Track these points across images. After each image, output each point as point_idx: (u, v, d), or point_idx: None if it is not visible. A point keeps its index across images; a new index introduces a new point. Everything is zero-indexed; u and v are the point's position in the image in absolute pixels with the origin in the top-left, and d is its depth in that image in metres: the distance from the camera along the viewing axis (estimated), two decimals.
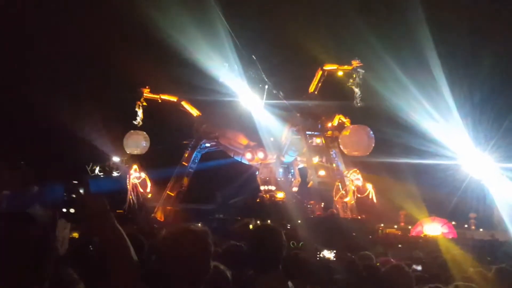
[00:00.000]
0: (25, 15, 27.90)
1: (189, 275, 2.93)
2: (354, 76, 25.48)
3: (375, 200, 25.19)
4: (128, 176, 26.73)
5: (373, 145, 24.92)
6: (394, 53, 24.40)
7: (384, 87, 24.15)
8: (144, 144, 27.95)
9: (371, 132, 25.06)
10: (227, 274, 3.92)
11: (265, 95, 26.22)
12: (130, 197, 26.22)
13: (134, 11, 25.46)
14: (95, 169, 26.11)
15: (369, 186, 25.28)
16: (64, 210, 3.45)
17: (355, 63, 25.59)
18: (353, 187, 25.22)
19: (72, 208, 3.27)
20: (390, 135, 25.27)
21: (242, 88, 26.14)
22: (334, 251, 7.37)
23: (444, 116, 23.43)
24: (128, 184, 26.26)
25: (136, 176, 27.18)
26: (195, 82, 26.22)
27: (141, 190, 27.06)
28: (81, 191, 3.07)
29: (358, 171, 25.75)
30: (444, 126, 23.38)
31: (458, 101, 23.54)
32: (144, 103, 28.31)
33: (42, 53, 28.54)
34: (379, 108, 25.23)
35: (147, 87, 28.52)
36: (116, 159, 27.57)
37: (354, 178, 25.49)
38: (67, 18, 28.33)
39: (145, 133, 28.13)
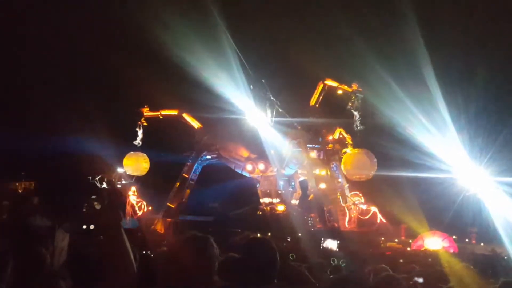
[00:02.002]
0: (23, 29, 28.13)
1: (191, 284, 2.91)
2: (353, 98, 25.44)
3: (383, 220, 25.08)
4: (127, 195, 26.84)
5: (376, 168, 24.76)
6: (390, 67, 24.50)
7: (380, 101, 24.19)
8: (144, 166, 27.90)
9: (374, 156, 24.97)
10: None
11: (271, 114, 26.25)
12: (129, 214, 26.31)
13: (138, 28, 25.70)
14: (99, 181, 26.24)
15: (374, 209, 25.10)
16: (84, 226, 3.49)
17: (355, 86, 25.57)
18: (355, 211, 25.12)
19: (92, 224, 3.32)
20: (387, 149, 25.26)
21: (248, 106, 26.16)
22: (338, 242, 7.39)
23: (439, 130, 23.43)
24: (127, 202, 26.40)
25: (133, 199, 27.23)
26: (199, 99, 26.39)
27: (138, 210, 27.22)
28: (98, 206, 3.11)
29: (360, 194, 25.70)
30: (439, 139, 23.38)
31: (453, 114, 23.57)
32: (145, 123, 28.33)
33: (44, 65, 28.69)
34: (376, 122, 25.23)
35: (145, 106, 28.56)
36: (120, 170, 27.61)
37: (357, 202, 25.40)
38: (67, 31, 28.48)
39: (145, 154, 28.05)
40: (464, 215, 24.11)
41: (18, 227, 3.38)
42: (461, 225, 24.76)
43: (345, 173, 25.71)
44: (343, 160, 25.63)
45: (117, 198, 3.07)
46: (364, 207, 25.13)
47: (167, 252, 3.17)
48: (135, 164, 27.77)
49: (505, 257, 17.56)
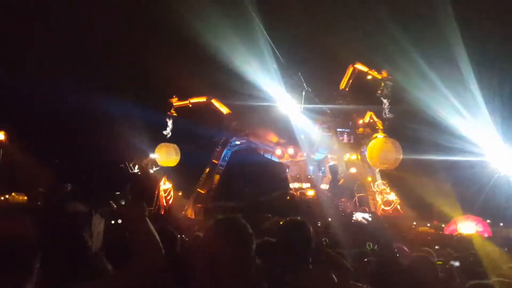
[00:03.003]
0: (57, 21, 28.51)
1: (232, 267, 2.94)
2: (382, 86, 24.85)
3: (400, 211, 24.76)
4: (158, 186, 27.17)
5: (401, 159, 24.24)
6: (422, 49, 24.15)
7: (413, 84, 23.84)
8: (175, 156, 28.07)
9: (400, 147, 24.27)
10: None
11: (302, 99, 26.08)
12: (159, 203, 26.62)
13: (170, 15, 25.82)
14: (133, 167, 26.60)
15: (392, 197, 24.78)
16: (113, 222, 3.58)
17: (384, 73, 24.95)
18: (380, 200, 24.86)
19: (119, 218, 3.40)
20: (418, 132, 24.92)
21: (278, 92, 26.04)
22: (369, 214, 7.40)
23: (472, 112, 23.03)
24: (158, 190, 26.85)
25: (164, 188, 27.49)
26: (229, 86, 26.42)
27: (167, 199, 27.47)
28: (123, 202, 3.20)
29: (386, 184, 25.36)
30: (472, 122, 22.99)
31: (486, 96, 23.15)
32: (174, 114, 28.46)
33: (79, 56, 29.08)
34: (407, 107, 24.85)
35: (174, 96, 28.67)
36: (153, 156, 27.85)
37: (382, 191, 25.06)
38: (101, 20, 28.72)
39: (175, 145, 28.22)
40: (496, 198, 23.80)
41: (57, 214, 3.45)
42: (491, 208, 24.47)
43: (370, 162, 25.21)
44: (368, 149, 25.13)
45: (146, 185, 3.16)
46: (390, 197, 24.80)
47: (204, 237, 3.21)
48: (166, 155, 27.97)
49: None
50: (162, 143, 28.07)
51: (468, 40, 23.59)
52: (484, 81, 23.45)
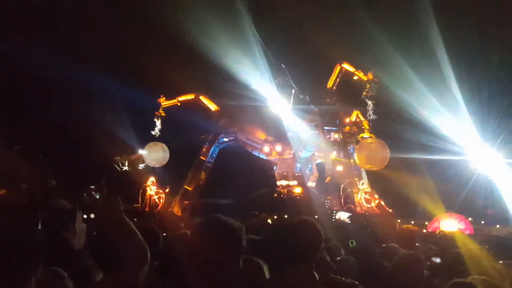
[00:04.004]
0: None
1: (216, 271, 2.92)
2: (368, 87, 24.96)
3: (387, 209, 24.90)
4: (144, 186, 27.10)
5: (388, 159, 24.41)
6: (403, 49, 24.32)
7: (393, 83, 24.00)
8: (164, 156, 28.00)
9: (387, 147, 24.42)
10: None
11: (292, 99, 26.09)
12: (147, 201, 26.62)
13: (161, 15, 25.73)
14: (122, 162, 26.50)
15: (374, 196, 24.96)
16: (85, 216, 3.56)
17: (370, 75, 25.04)
18: (362, 197, 24.95)
19: (92, 213, 3.39)
20: (399, 131, 25.11)
21: (267, 90, 26.04)
22: (349, 214, 7.46)
23: (452, 112, 23.30)
24: (144, 190, 26.83)
25: (152, 189, 27.44)
26: (217, 83, 26.38)
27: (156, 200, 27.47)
28: (97, 196, 3.16)
29: (367, 183, 25.50)
30: (452, 121, 23.27)
31: (466, 96, 23.44)
32: (163, 114, 28.37)
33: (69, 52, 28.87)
34: (391, 108, 25.02)
35: (162, 96, 28.60)
36: (142, 151, 27.77)
37: (363, 190, 25.15)
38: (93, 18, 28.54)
39: (164, 144, 28.12)
40: (476, 197, 24.14)
41: (41, 211, 3.46)
42: (471, 207, 24.79)
43: (357, 162, 25.32)
44: (356, 149, 25.29)
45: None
46: (368, 196, 24.89)
47: (191, 235, 3.21)
48: (155, 154, 27.89)
49: None
50: (151, 143, 27.99)
51: (449, 41, 23.86)
52: (464, 82, 23.77)
